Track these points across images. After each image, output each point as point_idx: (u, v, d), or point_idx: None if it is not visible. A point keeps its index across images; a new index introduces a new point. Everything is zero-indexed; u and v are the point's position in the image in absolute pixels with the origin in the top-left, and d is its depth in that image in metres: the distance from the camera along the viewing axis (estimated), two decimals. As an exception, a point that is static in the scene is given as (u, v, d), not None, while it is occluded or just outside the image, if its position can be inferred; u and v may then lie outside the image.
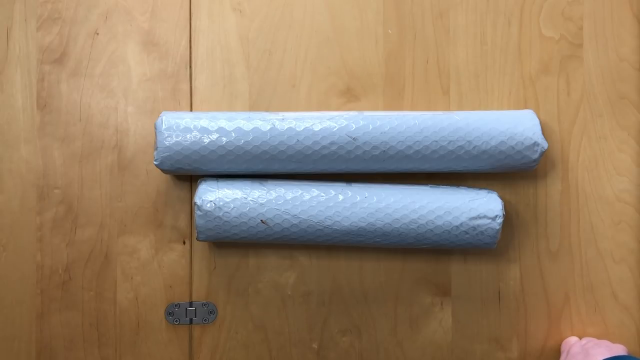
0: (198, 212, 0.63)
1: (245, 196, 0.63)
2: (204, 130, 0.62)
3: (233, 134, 0.62)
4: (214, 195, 0.63)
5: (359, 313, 0.70)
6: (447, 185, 0.67)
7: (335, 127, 0.62)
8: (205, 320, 0.70)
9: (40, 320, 0.70)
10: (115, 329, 0.70)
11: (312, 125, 0.62)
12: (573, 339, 0.67)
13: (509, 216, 0.69)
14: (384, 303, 0.70)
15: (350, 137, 0.62)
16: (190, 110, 0.70)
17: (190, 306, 0.70)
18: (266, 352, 0.70)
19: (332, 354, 0.70)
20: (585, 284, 0.69)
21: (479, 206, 0.63)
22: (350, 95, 0.70)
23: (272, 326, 0.70)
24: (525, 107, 0.70)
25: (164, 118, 0.63)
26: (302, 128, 0.62)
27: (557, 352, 0.70)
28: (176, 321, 0.70)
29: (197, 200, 0.63)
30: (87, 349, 0.70)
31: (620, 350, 0.60)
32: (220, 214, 0.62)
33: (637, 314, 0.69)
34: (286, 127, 0.62)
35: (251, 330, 0.70)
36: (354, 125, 0.62)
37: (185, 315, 0.70)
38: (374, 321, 0.70)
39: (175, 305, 0.70)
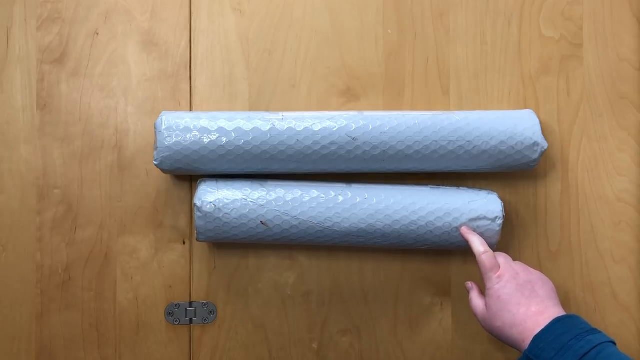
0: (198, 214, 0.63)
1: (245, 197, 0.63)
2: (204, 130, 0.62)
3: (233, 134, 0.62)
4: (213, 197, 0.63)
5: (359, 313, 0.70)
6: (447, 185, 0.67)
7: (335, 127, 0.62)
8: (205, 320, 0.70)
9: (40, 320, 0.70)
10: (115, 329, 0.70)
11: (312, 125, 0.62)
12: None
13: (509, 216, 0.69)
14: (384, 303, 0.70)
15: (350, 137, 0.62)
16: (190, 110, 0.70)
17: (190, 306, 0.70)
18: (266, 352, 0.70)
19: (332, 354, 0.70)
20: (585, 284, 0.69)
21: (479, 207, 0.63)
22: (350, 95, 0.70)
23: (272, 326, 0.70)
24: (525, 107, 0.70)
25: (164, 118, 0.63)
26: (302, 128, 0.62)
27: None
28: (176, 321, 0.70)
29: (197, 201, 0.63)
30: (87, 349, 0.70)
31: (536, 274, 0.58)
32: (220, 215, 0.62)
33: (637, 314, 0.69)
34: (286, 127, 0.62)
35: (251, 330, 0.70)
36: (354, 125, 0.62)
37: (185, 315, 0.70)
38: (374, 321, 0.70)
39: (175, 305, 0.70)
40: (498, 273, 0.56)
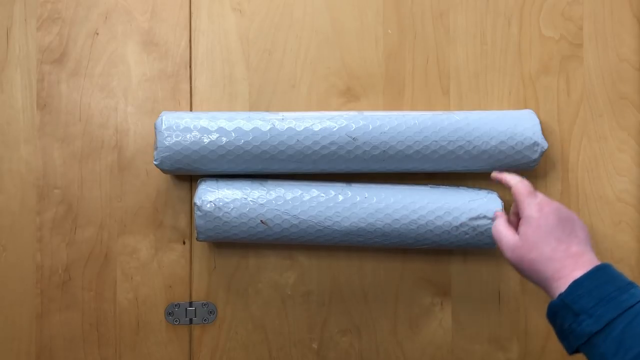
0: (198, 213, 0.63)
1: (245, 196, 0.63)
2: (204, 130, 0.62)
3: (233, 134, 0.62)
4: (213, 196, 0.63)
5: (359, 313, 0.70)
6: (447, 185, 0.67)
7: (335, 127, 0.62)
8: (205, 320, 0.70)
9: (40, 320, 0.70)
10: (115, 329, 0.70)
11: (312, 125, 0.62)
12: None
13: (509, 216, 0.69)
14: (384, 303, 0.70)
15: (350, 137, 0.62)
16: (190, 110, 0.70)
17: (190, 306, 0.70)
18: (266, 352, 0.70)
19: (332, 354, 0.70)
20: (585, 284, 0.69)
21: (479, 206, 0.63)
22: (350, 95, 0.70)
23: (272, 326, 0.70)
24: (525, 107, 0.70)
25: (164, 118, 0.63)
26: (302, 128, 0.62)
27: (557, 352, 0.70)
28: (176, 321, 0.70)
29: (197, 200, 0.63)
30: (87, 349, 0.70)
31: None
32: (220, 215, 0.62)
33: (637, 314, 0.69)
34: (286, 127, 0.62)
35: (251, 330, 0.70)
36: (354, 125, 0.62)
37: (185, 315, 0.70)
38: (374, 321, 0.70)
39: (175, 305, 0.70)
40: (538, 201, 0.51)
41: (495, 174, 0.59)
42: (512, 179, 0.55)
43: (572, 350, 0.45)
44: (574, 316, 0.44)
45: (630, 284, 0.45)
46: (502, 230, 0.53)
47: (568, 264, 0.47)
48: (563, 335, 0.45)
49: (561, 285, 0.46)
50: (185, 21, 0.70)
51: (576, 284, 0.45)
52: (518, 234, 0.51)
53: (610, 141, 0.69)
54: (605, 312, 0.43)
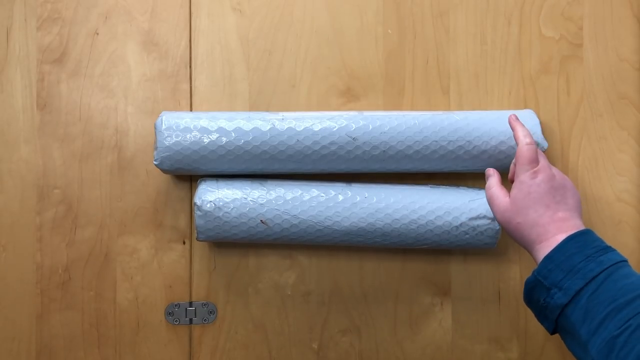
0: (198, 213, 0.63)
1: (245, 196, 0.63)
2: (204, 130, 0.62)
3: (233, 134, 0.62)
4: (213, 196, 0.63)
5: (359, 313, 0.70)
6: (447, 185, 0.67)
7: (335, 127, 0.62)
8: (205, 320, 0.70)
9: (40, 320, 0.70)
10: (115, 329, 0.70)
11: (312, 125, 0.62)
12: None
13: (509, 216, 0.69)
14: (384, 303, 0.70)
15: (350, 137, 0.62)
16: (190, 110, 0.70)
17: (190, 306, 0.70)
18: (266, 352, 0.70)
19: (332, 354, 0.70)
20: (585, 284, 0.69)
21: (479, 206, 0.63)
22: (350, 95, 0.70)
23: (272, 326, 0.70)
24: (525, 107, 0.70)
25: (163, 118, 0.63)
26: (302, 128, 0.62)
27: (557, 352, 0.70)
28: (176, 321, 0.70)
29: (197, 200, 0.63)
30: (87, 349, 0.70)
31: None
32: (220, 214, 0.62)
33: (637, 314, 0.69)
34: (286, 127, 0.62)
35: (251, 330, 0.70)
36: (353, 125, 0.62)
37: (185, 315, 0.70)
38: (374, 321, 0.70)
39: (175, 305, 0.70)
40: (535, 169, 0.52)
41: (512, 120, 0.57)
42: (521, 139, 0.54)
43: (552, 328, 0.46)
44: (547, 291, 0.45)
45: (602, 250, 0.46)
46: (495, 192, 0.54)
47: (552, 229, 0.49)
48: (541, 312, 0.47)
49: (543, 248, 0.48)
50: (185, 21, 0.70)
51: (547, 259, 0.47)
52: (510, 196, 0.52)
53: (610, 141, 0.69)
54: (573, 284, 0.44)
